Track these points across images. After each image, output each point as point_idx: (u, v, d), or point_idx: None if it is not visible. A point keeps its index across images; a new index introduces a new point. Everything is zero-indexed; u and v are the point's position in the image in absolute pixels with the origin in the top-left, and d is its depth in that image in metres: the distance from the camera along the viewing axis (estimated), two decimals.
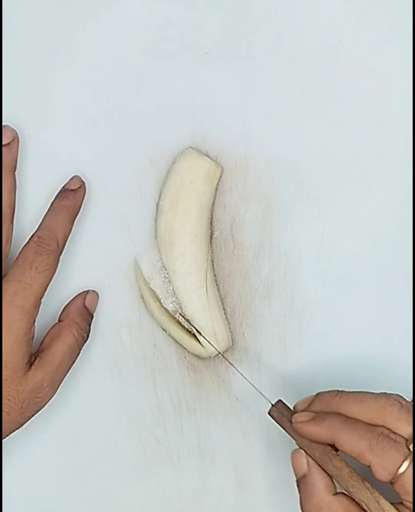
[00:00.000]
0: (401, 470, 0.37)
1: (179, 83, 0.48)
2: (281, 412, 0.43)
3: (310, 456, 0.41)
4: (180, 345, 0.48)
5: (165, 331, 0.48)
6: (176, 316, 0.48)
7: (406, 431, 0.38)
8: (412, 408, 0.39)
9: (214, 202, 0.48)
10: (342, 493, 0.40)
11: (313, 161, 0.48)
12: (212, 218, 0.48)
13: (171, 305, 0.48)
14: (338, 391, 0.42)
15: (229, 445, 0.49)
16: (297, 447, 0.41)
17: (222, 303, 0.49)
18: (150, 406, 0.49)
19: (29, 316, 0.43)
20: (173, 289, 0.48)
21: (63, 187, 0.47)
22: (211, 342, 0.47)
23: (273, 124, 0.48)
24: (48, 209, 0.46)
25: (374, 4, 0.47)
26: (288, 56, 0.48)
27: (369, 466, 0.38)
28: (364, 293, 0.49)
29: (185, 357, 0.49)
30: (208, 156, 0.47)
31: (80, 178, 0.47)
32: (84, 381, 0.49)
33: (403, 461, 0.37)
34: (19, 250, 0.45)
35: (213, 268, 0.48)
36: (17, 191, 0.47)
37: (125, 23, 0.48)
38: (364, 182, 0.48)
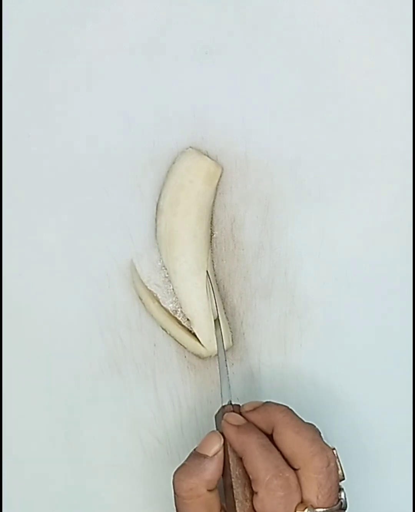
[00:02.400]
0: None
1: (179, 83, 0.48)
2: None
3: (225, 448, 0.40)
4: (181, 344, 0.48)
5: (166, 331, 0.48)
6: (176, 316, 0.48)
7: (309, 496, 0.37)
8: (331, 477, 0.38)
9: (214, 202, 0.48)
10: (216, 492, 0.40)
11: (313, 161, 0.48)
12: (212, 218, 0.48)
13: (171, 305, 0.48)
14: (286, 408, 0.41)
15: None
16: None
17: (222, 303, 0.49)
18: (150, 406, 0.49)
19: None
20: (173, 289, 0.48)
21: None
22: (210, 342, 0.47)
23: (273, 124, 0.48)
24: None
25: (374, 4, 0.47)
26: (288, 56, 0.48)
27: (253, 494, 0.38)
28: (364, 293, 0.49)
29: (185, 357, 0.49)
30: (208, 156, 0.47)
31: None
32: (84, 381, 0.49)
33: None
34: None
35: (213, 267, 0.48)
36: (16, 191, 0.47)
37: (125, 23, 0.48)
38: (364, 182, 0.48)
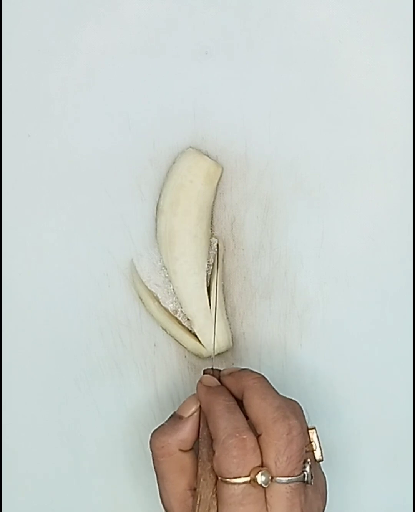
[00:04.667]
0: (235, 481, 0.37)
1: (179, 83, 0.48)
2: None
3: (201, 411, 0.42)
4: (181, 344, 0.48)
5: (166, 331, 0.48)
6: (176, 316, 0.48)
7: (267, 461, 0.37)
8: (291, 445, 0.38)
9: (214, 202, 0.48)
10: (191, 453, 0.41)
11: (313, 161, 0.48)
12: (212, 218, 0.48)
13: (171, 305, 0.48)
14: (260, 376, 0.41)
15: None
16: None
17: (223, 303, 0.49)
18: (150, 406, 0.49)
19: None
20: (173, 289, 0.48)
21: None
22: (210, 342, 0.47)
23: (273, 124, 0.48)
24: None
25: (374, 4, 0.47)
26: (288, 56, 0.48)
27: (213, 453, 0.38)
28: (364, 293, 0.49)
29: (185, 356, 0.49)
30: (208, 156, 0.47)
31: None
32: (84, 381, 0.49)
33: (235, 478, 0.37)
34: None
35: (218, 267, 0.48)
36: (16, 191, 0.47)
37: (125, 23, 0.48)
38: (364, 182, 0.48)
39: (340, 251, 0.49)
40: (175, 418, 0.42)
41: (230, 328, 0.49)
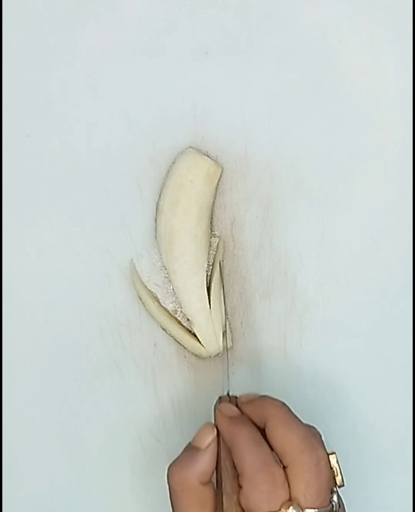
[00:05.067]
0: None
1: (179, 83, 0.48)
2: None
3: (219, 440, 0.40)
4: (181, 344, 0.48)
5: (166, 331, 0.48)
6: (176, 316, 0.48)
7: (296, 494, 0.36)
8: (320, 476, 0.37)
9: (214, 202, 0.48)
10: (210, 486, 0.39)
11: (313, 161, 0.48)
12: (212, 218, 0.48)
13: (171, 305, 0.48)
14: (281, 404, 0.40)
15: None
16: None
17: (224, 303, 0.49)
18: (150, 406, 0.49)
19: None
20: (173, 289, 0.48)
21: None
22: (210, 342, 0.47)
23: (273, 124, 0.48)
24: None
25: (374, 4, 0.47)
26: (288, 56, 0.48)
27: (240, 487, 0.37)
28: (364, 293, 0.49)
29: (185, 357, 0.49)
30: (208, 156, 0.47)
31: None
32: (84, 381, 0.49)
33: None
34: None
35: (220, 267, 0.48)
36: (16, 191, 0.47)
37: (125, 23, 0.48)
38: (364, 182, 0.48)
39: (340, 251, 0.49)
40: (192, 450, 0.40)
41: (230, 328, 0.49)
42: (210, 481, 0.39)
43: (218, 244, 0.48)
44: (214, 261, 0.48)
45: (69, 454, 0.50)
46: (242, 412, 0.41)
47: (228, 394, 0.43)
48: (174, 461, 0.40)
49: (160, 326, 0.48)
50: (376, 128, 0.48)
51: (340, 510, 0.38)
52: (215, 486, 0.40)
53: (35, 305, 0.49)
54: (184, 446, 0.40)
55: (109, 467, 0.50)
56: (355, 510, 0.51)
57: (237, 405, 0.42)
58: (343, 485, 0.39)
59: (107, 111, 0.48)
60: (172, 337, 0.48)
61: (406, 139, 0.48)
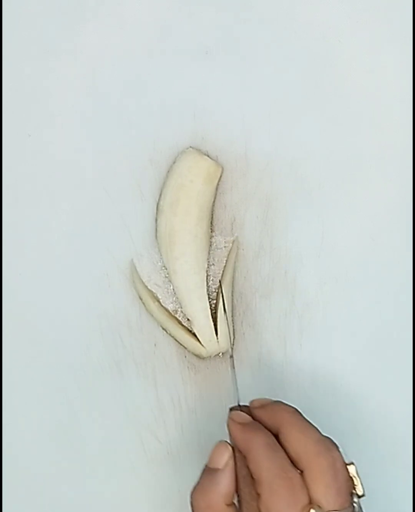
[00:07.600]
0: None
1: (179, 83, 0.48)
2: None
3: (234, 454, 0.39)
4: (181, 344, 0.48)
5: (166, 331, 0.48)
6: (176, 316, 0.48)
7: (317, 497, 0.36)
8: (338, 477, 0.36)
9: (214, 202, 0.48)
10: (233, 507, 0.38)
11: (313, 160, 0.48)
12: (212, 218, 0.48)
13: (171, 305, 0.48)
14: (294, 409, 0.40)
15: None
16: None
17: (224, 303, 0.49)
18: (150, 406, 0.49)
19: None
20: (173, 289, 0.48)
21: None
22: (210, 342, 0.47)
23: (273, 124, 0.48)
24: None
25: (374, 4, 0.47)
26: (288, 56, 0.48)
27: (258, 495, 0.37)
28: (364, 293, 0.49)
29: (185, 357, 0.49)
30: (208, 156, 0.47)
31: None
32: (84, 381, 0.49)
33: None
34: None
35: (233, 269, 0.48)
36: (16, 191, 0.47)
37: (126, 23, 0.48)
38: (364, 182, 0.49)
39: (340, 251, 0.49)
40: (211, 472, 0.39)
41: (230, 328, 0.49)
42: (233, 503, 0.39)
43: (232, 244, 0.48)
44: (226, 262, 0.48)
45: (68, 454, 0.49)
46: (254, 418, 0.41)
47: (238, 404, 0.42)
48: (195, 487, 0.39)
49: (161, 326, 0.48)
50: (376, 128, 0.48)
51: None
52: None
53: (35, 305, 0.49)
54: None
55: (109, 466, 0.50)
56: None
57: (248, 412, 0.41)
58: (364, 495, 0.39)
59: (107, 111, 0.48)
60: (172, 337, 0.48)
61: (406, 139, 0.48)
